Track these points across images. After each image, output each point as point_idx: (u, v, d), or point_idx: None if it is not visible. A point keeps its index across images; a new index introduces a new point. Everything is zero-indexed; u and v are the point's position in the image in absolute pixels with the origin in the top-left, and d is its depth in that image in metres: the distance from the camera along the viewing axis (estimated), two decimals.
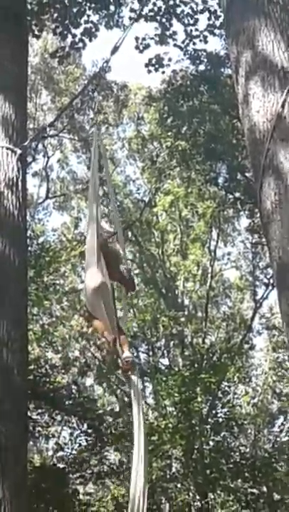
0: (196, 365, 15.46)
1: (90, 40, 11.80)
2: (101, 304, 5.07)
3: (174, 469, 15.19)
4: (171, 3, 11.94)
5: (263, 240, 16.52)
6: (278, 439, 17.28)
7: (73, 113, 15.64)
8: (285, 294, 4.22)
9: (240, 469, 14.62)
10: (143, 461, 4.59)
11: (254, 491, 14.78)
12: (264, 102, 4.83)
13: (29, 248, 11.70)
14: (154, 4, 11.77)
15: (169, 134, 15.44)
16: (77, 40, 11.88)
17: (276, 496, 15.49)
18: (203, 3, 12.07)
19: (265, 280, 18.05)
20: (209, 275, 17.75)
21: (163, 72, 13.22)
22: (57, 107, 17.60)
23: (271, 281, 17.28)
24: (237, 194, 15.44)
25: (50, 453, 15.87)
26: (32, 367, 12.53)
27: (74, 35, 11.81)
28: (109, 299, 5.11)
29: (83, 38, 11.78)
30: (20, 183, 7.27)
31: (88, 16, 11.74)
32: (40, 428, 14.39)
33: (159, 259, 17.65)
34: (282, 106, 4.62)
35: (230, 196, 15.68)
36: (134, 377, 4.91)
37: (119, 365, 5.29)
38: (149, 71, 12.44)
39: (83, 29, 11.71)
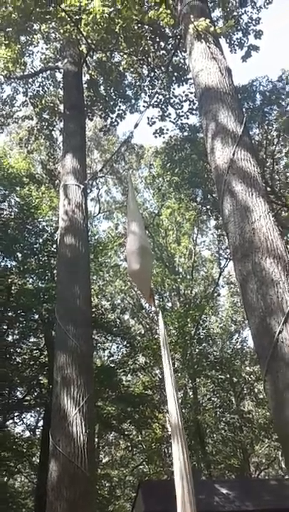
0: (186, 306, 19.71)
1: (121, 120, 14.81)
2: (142, 281, 5.66)
3: (176, 365, 18.73)
4: (167, 96, 14.72)
5: (224, 232, 19.11)
6: (235, 346, 21.97)
7: (112, 163, 19.30)
8: (237, 264, 5.00)
9: (213, 364, 18.91)
10: (170, 365, 4.74)
11: (221, 376, 19.41)
12: (222, 152, 5.66)
13: (90, 242, 13.26)
14: (157, 98, 14.59)
15: (168, 173, 18.35)
16: (114, 120, 14.92)
17: (234, 380, 20.34)
18: (185, 96, 14.69)
19: (225, 256, 21.56)
20: (193, 253, 21.55)
21: (164, 137, 16.05)
22: (103, 160, 21.13)
23: (230, 256, 20.62)
24: (208, 206, 18.47)
25: (106, 358, 20.03)
26: (94, 309, 14.77)
27: (112, 118, 14.87)
28: (147, 276, 5.63)
29: (117, 119, 14.80)
30: (83, 205, 9.06)
31: (120, 106, 14.83)
32: (99, 344, 17.98)
33: (164, 246, 21.31)
34: (233, 154, 5.46)
35: (204, 208, 18.87)
36: (160, 317, 5.37)
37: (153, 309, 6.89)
38: (156, 136, 15.05)
39: (117, 114, 14.79)
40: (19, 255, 15.98)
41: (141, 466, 23.33)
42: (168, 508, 10.97)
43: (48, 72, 15.62)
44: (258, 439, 20.62)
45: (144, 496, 12.68)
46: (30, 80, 15.45)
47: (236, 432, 20.11)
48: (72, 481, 6.32)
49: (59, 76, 15.41)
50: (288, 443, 3.97)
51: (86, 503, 6.32)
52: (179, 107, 15.04)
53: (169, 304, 21.72)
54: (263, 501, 12.76)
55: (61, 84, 13.94)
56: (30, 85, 15.51)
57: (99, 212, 22.89)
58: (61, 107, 14.27)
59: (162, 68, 14.52)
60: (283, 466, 24.47)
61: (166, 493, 12.02)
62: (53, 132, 16.28)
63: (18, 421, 18.55)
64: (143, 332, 20.32)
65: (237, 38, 13.09)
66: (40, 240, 16.02)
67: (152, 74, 14.86)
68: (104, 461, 23.56)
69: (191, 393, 20.19)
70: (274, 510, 12.32)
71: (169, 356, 4.91)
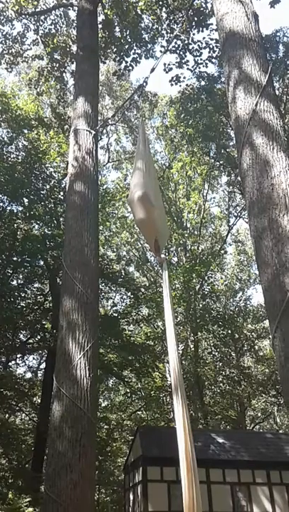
0: (193, 262, 19.95)
1: (136, 65, 14.59)
2: (147, 229, 5.27)
3: (178, 318, 19.46)
4: (186, 42, 14.53)
5: (235, 190, 20.75)
6: (238, 304, 22.53)
7: (124, 111, 18.41)
8: (253, 220, 4.87)
9: (216, 320, 19.49)
10: (172, 318, 4.54)
11: (223, 332, 20.06)
12: (245, 102, 5.54)
13: (98, 191, 13.04)
14: (176, 43, 14.37)
15: (182, 124, 18.22)
16: (128, 65, 14.61)
17: (236, 336, 21.14)
18: (205, 43, 14.48)
19: (235, 214, 21.90)
20: (202, 209, 21.52)
21: (180, 85, 16.13)
22: (114, 107, 20.88)
23: (240, 214, 21.25)
24: (221, 162, 18.64)
25: (109, 307, 20.55)
26: (100, 259, 14.46)
27: (126, 62, 14.58)
28: (152, 224, 5.20)
29: (132, 63, 14.51)
30: (94, 152, 8.93)
31: (135, 50, 14.52)
32: (104, 293, 18.45)
33: (173, 200, 21.24)
34: (256, 105, 5.35)
35: (217, 163, 19.00)
36: (165, 266, 5.08)
37: (157, 259, 5.80)
38: (172, 84, 15.30)
39: (132, 58, 14.51)
40: (25, 200, 15.71)
41: (139, 412, 23.97)
42: (164, 453, 11.69)
43: (62, 9, 14.97)
44: (255, 394, 20.94)
45: (141, 440, 13.15)
46: (42, 17, 14.87)
47: (234, 386, 20.49)
48: (74, 421, 6.45)
49: (73, 15, 14.79)
50: None
51: (87, 442, 6.48)
52: (198, 53, 14.56)
53: (175, 259, 21.57)
54: (259, 453, 13.02)
55: (74, 24, 13.32)
56: (41, 23, 14.94)
57: (108, 162, 22.41)
58: (74, 48, 13.75)
59: (182, 11, 13.97)
60: (278, 421, 25.48)
61: (163, 439, 12.76)
62: (64, 74, 15.60)
63: (20, 362, 19.05)
64: (147, 285, 20.24)
65: None
66: (48, 186, 15.69)
67: (171, 17, 14.27)
68: (103, 405, 24.24)
69: (192, 346, 20.57)
70: (269, 462, 12.69)
71: (172, 310, 4.70)
